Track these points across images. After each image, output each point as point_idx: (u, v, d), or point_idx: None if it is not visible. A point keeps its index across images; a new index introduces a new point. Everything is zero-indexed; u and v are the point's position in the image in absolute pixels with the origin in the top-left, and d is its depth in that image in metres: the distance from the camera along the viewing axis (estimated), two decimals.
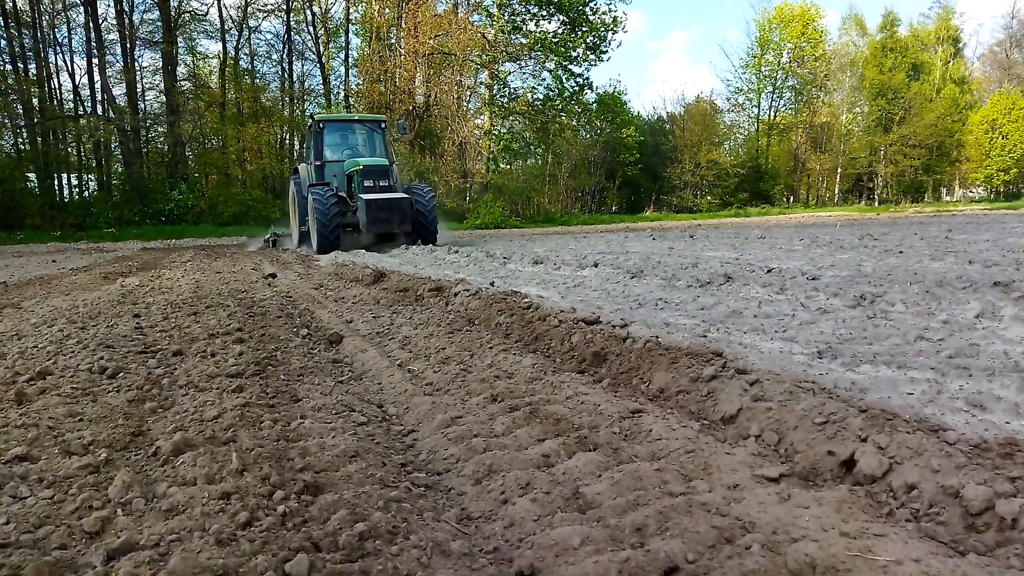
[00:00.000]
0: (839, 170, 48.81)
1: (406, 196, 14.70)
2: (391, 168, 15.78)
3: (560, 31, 34.58)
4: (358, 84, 36.86)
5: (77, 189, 32.09)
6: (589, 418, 2.40)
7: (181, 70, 34.76)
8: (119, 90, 32.73)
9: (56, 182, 31.01)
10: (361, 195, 14.54)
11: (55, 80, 32.35)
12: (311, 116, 17.57)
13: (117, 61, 32.45)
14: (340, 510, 1.66)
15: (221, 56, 35.20)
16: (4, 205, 26.67)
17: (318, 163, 16.57)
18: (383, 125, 17.96)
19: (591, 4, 34.22)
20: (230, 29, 35.40)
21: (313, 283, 8.08)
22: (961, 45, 53.91)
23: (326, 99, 36.39)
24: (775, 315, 4.04)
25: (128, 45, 31.96)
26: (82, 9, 31.53)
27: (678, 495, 1.73)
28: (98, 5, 31.42)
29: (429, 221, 15.30)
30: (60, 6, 31.69)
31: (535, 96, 35.54)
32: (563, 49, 33.81)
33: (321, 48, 36.35)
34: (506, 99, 35.42)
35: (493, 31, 34.18)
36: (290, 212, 19.15)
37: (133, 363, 3.31)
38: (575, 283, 6.18)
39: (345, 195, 15.64)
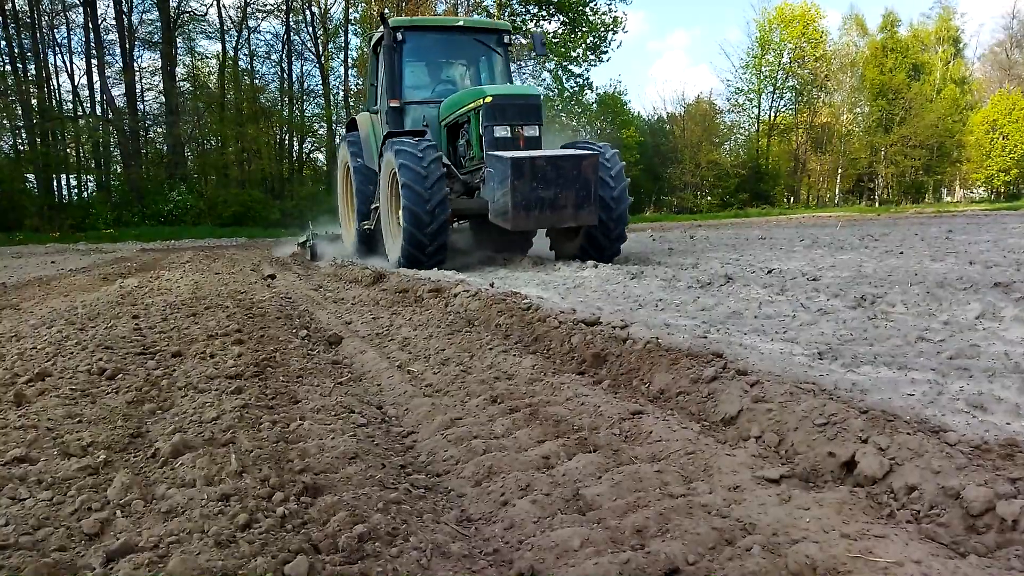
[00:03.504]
0: (839, 170, 48.83)
1: (590, 152, 7.69)
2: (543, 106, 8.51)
3: (560, 31, 34.58)
4: (358, 84, 36.86)
5: (76, 190, 32.13)
6: (589, 419, 2.39)
7: (180, 71, 34.81)
8: (118, 91, 32.79)
9: (55, 183, 31.03)
10: (494, 153, 7.64)
11: (54, 81, 32.44)
12: (381, 15, 9.84)
13: (116, 62, 32.50)
14: (339, 512, 1.65)
15: (220, 56, 35.23)
16: (3, 206, 26.68)
17: (395, 103, 9.29)
18: (507, 40, 10.13)
19: (591, 4, 34.23)
20: (229, 29, 35.47)
21: (312, 284, 8.08)
22: (961, 45, 53.95)
23: (325, 99, 36.41)
24: (775, 316, 4.03)
25: (127, 46, 31.99)
26: (81, 10, 31.55)
27: (678, 496, 1.73)
28: (97, 6, 31.45)
29: (617, 212, 8.18)
30: (59, 7, 31.74)
31: None
32: (563, 49, 33.81)
33: (320, 48, 36.36)
34: None
35: None
36: (339, 198, 12.14)
37: (132, 364, 3.31)
38: (575, 284, 6.18)
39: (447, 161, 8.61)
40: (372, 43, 10.81)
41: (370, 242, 10.24)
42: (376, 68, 10.44)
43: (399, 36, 9.50)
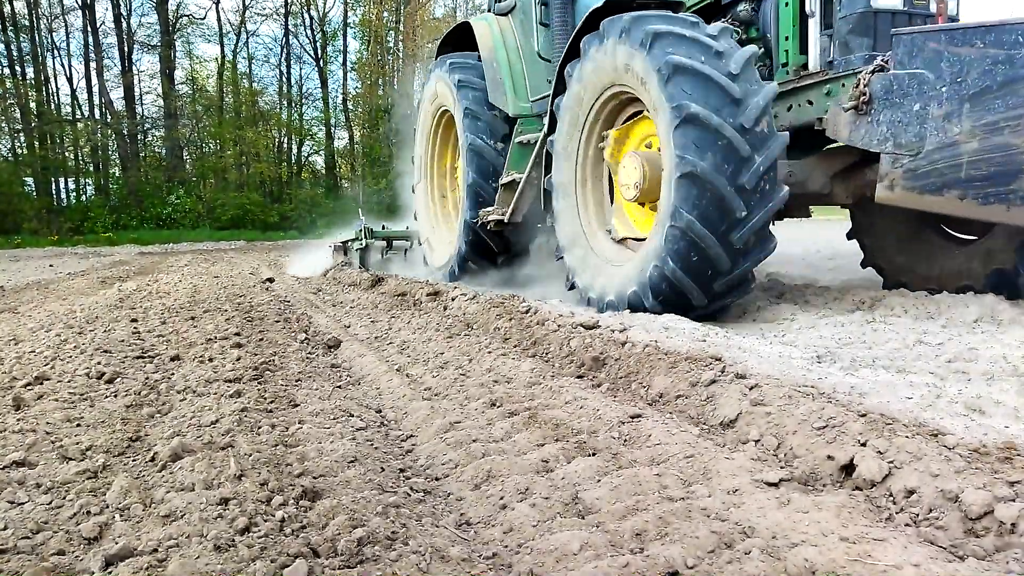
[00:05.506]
0: None
1: None
2: None
3: None
4: (356, 87, 36.92)
5: (75, 193, 32.10)
6: (588, 423, 2.39)
7: (179, 74, 34.85)
8: (116, 94, 32.81)
9: (54, 186, 31.02)
10: (941, 29, 3.34)
11: (53, 84, 32.42)
12: None
13: (115, 65, 32.52)
14: (339, 516, 1.65)
15: (219, 60, 35.28)
16: (1, 209, 26.66)
17: None
18: None
19: None
20: (228, 33, 35.51)
21: (311, 288, 8.08)
22: None
23: (324, 103, 36.43)
24: (774, 319, 4.04)
25: (126, 49, 32.05)
26: (80, 13, 31.59)
27: (677, 500, 1.73)
28: (96, 9, 31.48)
29: None
30: (58, 10, 31.77)
31: None
32: None
33: (319, 52, 36.40)
34: None
35: None
36: (418, 172, 7.75)
37: (131, 368, 3.31)
38: None
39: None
40: None
41: (487, 250, 6.30)
42: None
43: None
